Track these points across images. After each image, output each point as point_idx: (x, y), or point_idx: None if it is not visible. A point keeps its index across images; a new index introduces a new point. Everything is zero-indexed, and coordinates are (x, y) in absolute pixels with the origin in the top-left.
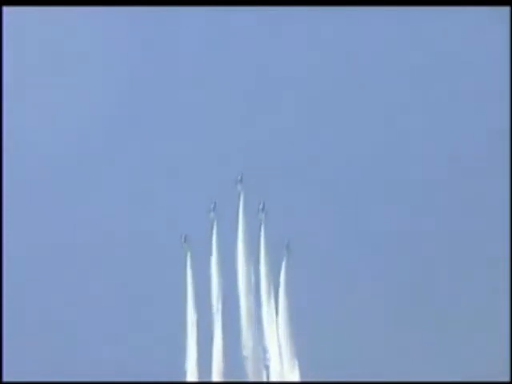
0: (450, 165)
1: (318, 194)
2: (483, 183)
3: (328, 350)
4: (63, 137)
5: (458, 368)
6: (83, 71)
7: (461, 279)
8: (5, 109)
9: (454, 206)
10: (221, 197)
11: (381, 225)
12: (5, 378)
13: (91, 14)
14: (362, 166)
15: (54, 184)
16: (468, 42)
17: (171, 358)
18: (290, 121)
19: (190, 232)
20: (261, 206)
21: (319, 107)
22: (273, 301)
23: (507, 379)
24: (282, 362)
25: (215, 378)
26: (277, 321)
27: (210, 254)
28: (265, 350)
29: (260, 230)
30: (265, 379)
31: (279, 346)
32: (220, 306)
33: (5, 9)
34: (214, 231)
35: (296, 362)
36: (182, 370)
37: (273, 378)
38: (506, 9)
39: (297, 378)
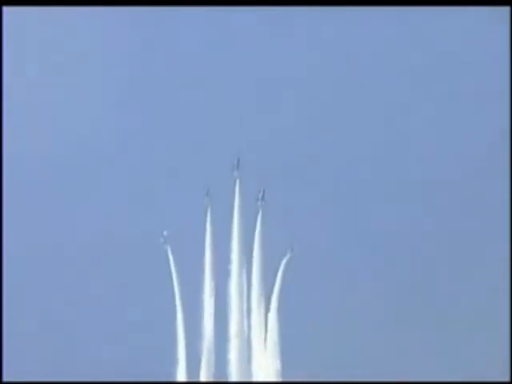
0: (450, 165)
1: (318, 194)
2: (483, 183)
3: (328, 350)
4: (63, 137)
5: (457, 368)
6: (83, 71)
7: (461, 279)
8: (5, 109)
9: (454, 205)
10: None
11: (381, 225)
12: (5, 378)
13: (91, 13)
14: (361, 166)
15: (54, 184)
16: (468, 41)
17: (171, 357)
18: (290, 121)
19: (189, 233)
20: (260, 195)
21: (319, 107)
22: (263, 307)
23: (507, 379)
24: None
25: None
26: (265, 331)
27: (203, 255)
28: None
29: (255, 229)
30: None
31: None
32: (212, 303)
33: (5, 9)
34: (208, 218)
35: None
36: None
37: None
38: (506, 9)
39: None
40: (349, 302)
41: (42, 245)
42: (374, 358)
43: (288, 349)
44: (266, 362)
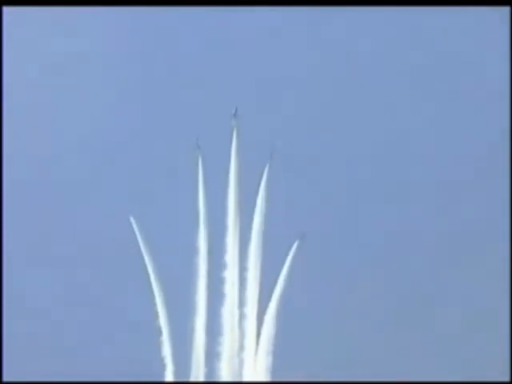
0: (450, 165)
1: (318, 194)
2: (483, 183)
3: (328, 350)
4: (63, 137)
5: (457, 368)
6: (83, 71)
7: (461, 279)
8: (5, 109)
9: (454, 205)
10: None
11: (381, 224)
12: (5, 378)
13: (91, 13)
14: (361, 166)
15: (54, 184)
16: (468, 41)
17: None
18: (290, 121)
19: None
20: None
21: (319, 107)
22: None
23: (507, 379)
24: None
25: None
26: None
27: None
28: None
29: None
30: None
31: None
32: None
33: (5, 9)
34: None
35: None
36: (183, 369)
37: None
38: (506, 9)
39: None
40: (349, 302)
41: (42, 245)
42: (373, 358)
43: (287, 349)
44: (258, 357)
